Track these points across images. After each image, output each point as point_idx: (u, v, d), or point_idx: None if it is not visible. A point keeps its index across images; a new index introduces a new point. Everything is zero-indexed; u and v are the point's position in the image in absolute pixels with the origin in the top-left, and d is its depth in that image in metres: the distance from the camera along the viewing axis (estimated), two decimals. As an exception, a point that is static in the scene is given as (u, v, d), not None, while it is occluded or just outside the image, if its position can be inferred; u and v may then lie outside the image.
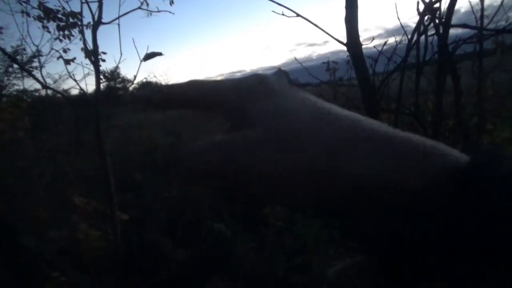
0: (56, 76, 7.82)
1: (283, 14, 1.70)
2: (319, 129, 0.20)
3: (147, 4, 2.96)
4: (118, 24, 2.65)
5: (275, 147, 0.20)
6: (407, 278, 0.20)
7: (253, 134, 0.21)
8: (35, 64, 7.21)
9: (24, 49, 7.65)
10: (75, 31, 3.09)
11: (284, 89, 0.23)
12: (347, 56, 1.79)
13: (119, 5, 2.67)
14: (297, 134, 0.20)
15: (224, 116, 0.26)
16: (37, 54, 5.77)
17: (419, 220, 0.18)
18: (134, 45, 2.58)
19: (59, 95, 4.75)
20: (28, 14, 3.47)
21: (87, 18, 2.68)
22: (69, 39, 3.20)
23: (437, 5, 1.67)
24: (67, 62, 3.01)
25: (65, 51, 3.28)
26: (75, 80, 2.72)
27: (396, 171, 0.19)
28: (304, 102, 0.22)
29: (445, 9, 1.65)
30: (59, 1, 2.87)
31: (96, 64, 2.54)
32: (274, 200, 0.22)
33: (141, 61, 2.49)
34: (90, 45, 2.55)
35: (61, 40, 3.19)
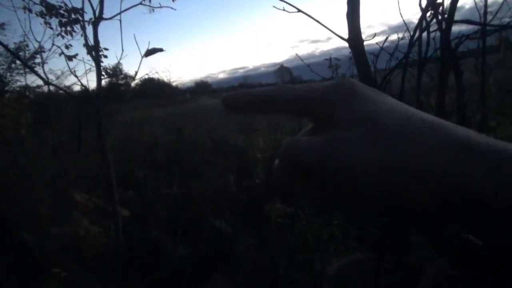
0: (59, 72, 7.86)
1: (284, 10, 1.69)
2: (411, 133, 0.21)
3: (149, 0, 2.96)
4: (120, 20, 2.65)
5: (373, 147, 0.22)
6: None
7: (355, 134, 0.23)
8: (38, 60, 7.25)
9: (27, 45, 7.69)
10: (77, 27, 3.09)
11: (372, 94, 0.25)
12: (350, 52, 1.77)
13: (121, 1, 2.67)
14: (391, 136, 0.22)
15: (313, 119, 0.29)
16: (40, 50, 5.80)
17: None
18: (136, 41, 2.57)
19: (61, 91, 4.75)
20: (30, 10, 3.48)
21: (89, 14, 2.68)
22: (71, 35, 3.20)
23: (439, 0, 1.66)
24: (69, 58, 3.01)
25: (67, 47, 3.28)
26: (76, 76, 2.72)
27: (489, 180, 0.19)
28: (392, 107, 0.24)
29: (448, 4, 1.64)
30: (60, -3, 2.87)
31: (97, 60, 2.53)
32: (362, 199, 0.24)
33: (142, 57, 2.49)
34: (91, 41, 2.55)
35: (63, 37, 3.19)
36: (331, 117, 0.25)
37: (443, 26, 1.65)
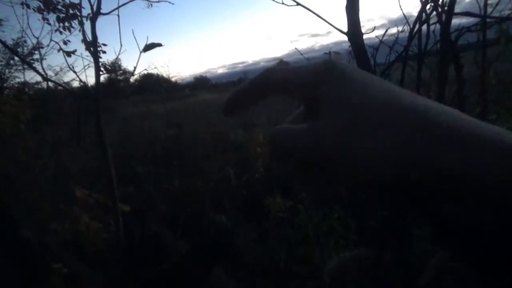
0: (57, 68, 7.84)
1: (282, 3, 1.68)
2: (390, 119, 0.22)
3: (147, -5, 2.94)
4: (118, 15, 2.62)
5: (351, 135, 0.22)
6: (495, 272, 0.21)
7: (331, 124, 0.23)
8: (36, 56, 7.22)
9: (25, 42, 7.65)
10: (75, 23, 3.07)
11: (355, 74, 0.25)
12: (349, 46, 1.76)
13: (119, -4, 2.65)
14: (369, 124, 0.22)
15: (300, 100, 0.29)
16: (38, 46, 5.77)
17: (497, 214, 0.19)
18: (134, 36, 2.56)
19: (60, 87, 4.73)
20: (28, 6, 3.45)
21: (87, 10, 2.66)
22: (69, 30, 3.18)
23: (439, -7, 1.65)
24: (68, 54, 2.99)
25: (65, 43, 3.26)
26: (74, 72, 2.71)
27: (465, 162, 0.19)
28: (374, 90, 0.23)
29: (448, -3, 1.62)
30: (58, -8, 2.85)
31: (95, 55, 2.52)
32: (347, 181, 0.24)
33: (140, 52, 2.48)
34: (89, 37, 2.53)
35: (61, 32, 3.18)
36: (317, 101, 0.25)
37: (443, 19, 1.64)
